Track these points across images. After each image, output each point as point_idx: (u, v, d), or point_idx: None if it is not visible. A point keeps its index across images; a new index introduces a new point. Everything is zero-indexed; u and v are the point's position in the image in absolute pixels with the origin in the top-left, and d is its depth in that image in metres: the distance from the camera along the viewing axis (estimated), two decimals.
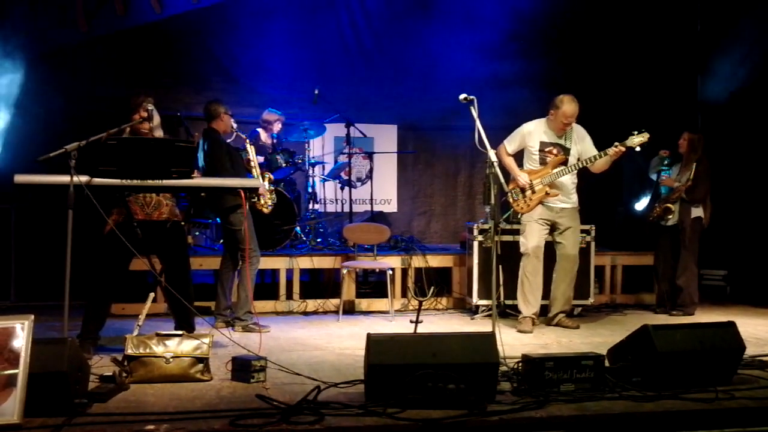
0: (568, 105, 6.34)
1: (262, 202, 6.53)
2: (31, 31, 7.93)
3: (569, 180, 6.52)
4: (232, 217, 6.19)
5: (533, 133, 6.55)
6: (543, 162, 6.51)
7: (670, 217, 7.36)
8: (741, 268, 8.44)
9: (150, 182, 4.65)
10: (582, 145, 6.51)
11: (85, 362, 3.98)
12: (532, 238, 6.47)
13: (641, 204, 8.29)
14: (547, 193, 6.44)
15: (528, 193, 6.49)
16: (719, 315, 7.05)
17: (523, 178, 6.49)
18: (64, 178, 4.38)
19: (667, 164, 7.51)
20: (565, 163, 6.45)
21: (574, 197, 6.60)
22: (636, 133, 6.16)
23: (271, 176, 7.02)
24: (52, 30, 8.04)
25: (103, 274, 5.13)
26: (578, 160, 6.43)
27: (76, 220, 4.33)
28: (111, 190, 4.73)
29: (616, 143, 6.21)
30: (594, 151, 6.44)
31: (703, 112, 9.13)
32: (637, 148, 6.20)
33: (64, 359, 3.61)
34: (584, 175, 6.81)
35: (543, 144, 6.51)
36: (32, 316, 3.60)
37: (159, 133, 5.25)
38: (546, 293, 6.65)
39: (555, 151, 6.48)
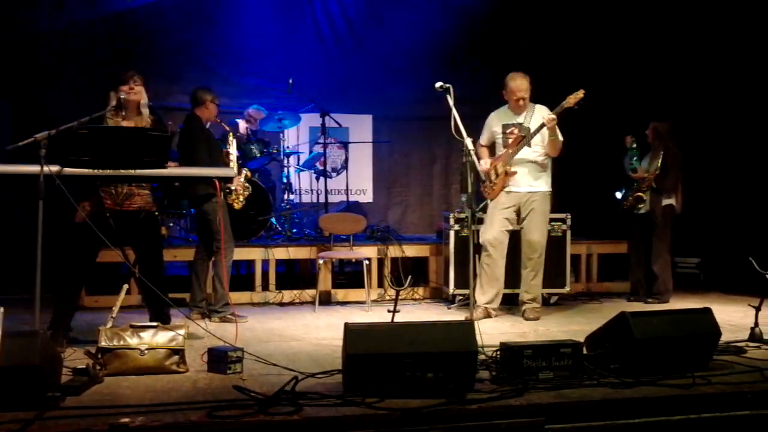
0: (512, 81, 6.33)
1: (234, 197, 6.41)
2: None
3: (532, 158, 6.35)
4: (206, 206, 6.11)
5: (494, 118, 6.53)
6: (506, 145, 6.43)
7: (641, 206, 7.39)
8: (714, 255, 8.50)
9: (122, 172, 4.57)
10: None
11: (57, 355, 3.91)
12: (490, 230, 6.38)
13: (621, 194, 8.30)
14: (506, 173, 6.33)
15: (492, 177, 6.42)
16: (694, 302, 7.09)
17: (482, 164, 6.38)
18: (34, 168, 4.30)
19: (636, 149, 7.47)
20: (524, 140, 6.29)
21: (543, 181, 6.43)
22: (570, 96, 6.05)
23: (249, 173, 6.86)
24: (20, 18, 7.87)
25: (73, 265, 5.05)
26: (532, 136, 6.23)
27: (47, 210, 4.25)
28: (82, 179, 4.65)
29: (549, 112, 6.14)
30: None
31: (676, 100, 9.16)
32: (576, 107, 6.04)
33: (35, 352, 3.54)
34: (562, 163, 6.79)
35: (504, 126, 6.44)
36: (2, 309, 3.52)
37: (145, 111, 5.17)
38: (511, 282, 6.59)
39: (516, 131, 6.37)
